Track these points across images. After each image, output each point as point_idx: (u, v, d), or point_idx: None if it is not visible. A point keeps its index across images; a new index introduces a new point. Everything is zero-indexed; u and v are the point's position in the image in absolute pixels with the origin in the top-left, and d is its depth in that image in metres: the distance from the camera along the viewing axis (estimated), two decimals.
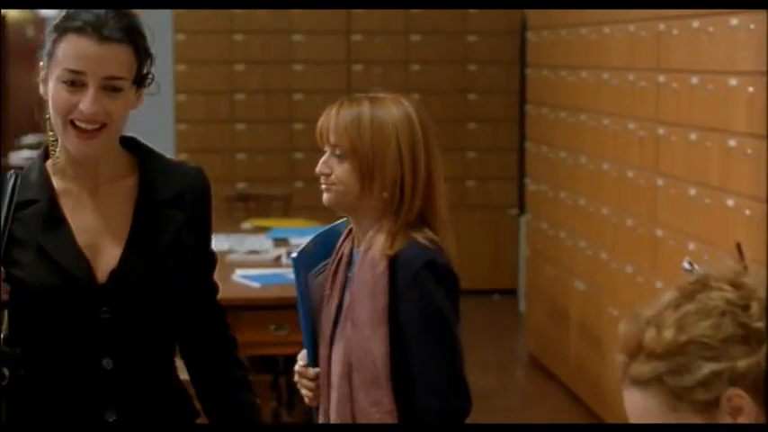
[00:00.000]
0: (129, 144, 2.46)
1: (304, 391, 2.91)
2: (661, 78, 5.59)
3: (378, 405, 2.70)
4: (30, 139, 14.46)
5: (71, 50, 2.31)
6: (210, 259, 2.64)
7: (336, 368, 2.77)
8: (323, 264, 2.94)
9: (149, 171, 2.44)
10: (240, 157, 9.75)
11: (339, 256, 2.90)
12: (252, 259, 6.01)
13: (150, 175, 2.43)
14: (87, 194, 2.40)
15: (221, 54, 9.71)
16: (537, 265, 7.83)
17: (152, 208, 2.41)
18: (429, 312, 2.74)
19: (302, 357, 2.93)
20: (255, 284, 5.34)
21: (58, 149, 2.40)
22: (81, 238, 2.38)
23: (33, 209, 2.37)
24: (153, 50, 2.46)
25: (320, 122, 2.88)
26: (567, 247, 7.06)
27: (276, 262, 5.96)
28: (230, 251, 6.22)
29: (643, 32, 5.87)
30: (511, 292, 9.70)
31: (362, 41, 9.83)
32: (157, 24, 9.59)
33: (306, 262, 2.90)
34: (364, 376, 2.72)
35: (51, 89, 2.33)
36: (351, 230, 2.93)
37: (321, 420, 2.87)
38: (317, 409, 2.90)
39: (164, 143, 9.72)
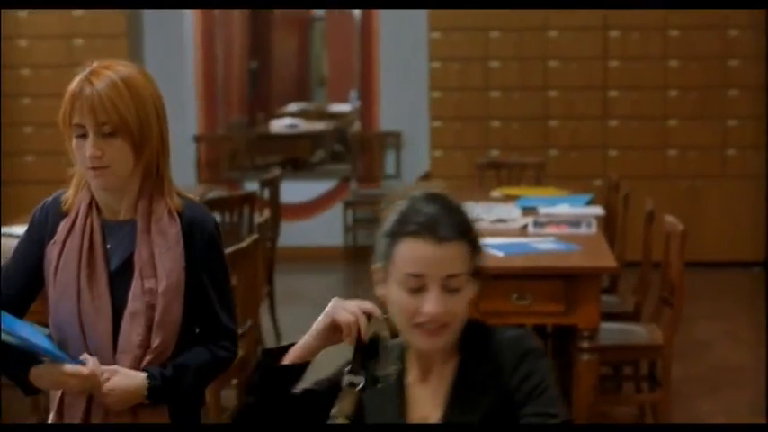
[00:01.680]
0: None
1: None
2: None
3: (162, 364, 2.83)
4: (293, 107, 14.81)
5: (408, 254, 2.30)
6: None
7: (131, 338, 2.80)
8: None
9: (470, 351, 2.38)
10: (494, 124, 9.72)
11: (88, 229, 2.84)
12: (498, 228, 5.98)
13: (470, 356, 2.38)
14: (420, 381, 2.40)
15: (476, 20, 9.68)
16: None
17: (467, 388, 2.36)
18: (225, 267, 2.93)
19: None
20: (499, 253, 5.31)
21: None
22: (413, 415, 2.38)
23: (384, 385, 2.39)
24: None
25: (69, 106, 2.74)
26: None
27: (522, 231, 5.91)
28: (477, 219, 6.20)
29: None
30: None
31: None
32: None
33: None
34: (164, 339, 2.80)
35: (394, 293, 2.33)
36: (90, 203, 2.86)
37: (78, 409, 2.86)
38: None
39: (418, 111, 9.80)
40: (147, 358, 2.80)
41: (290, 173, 12.32)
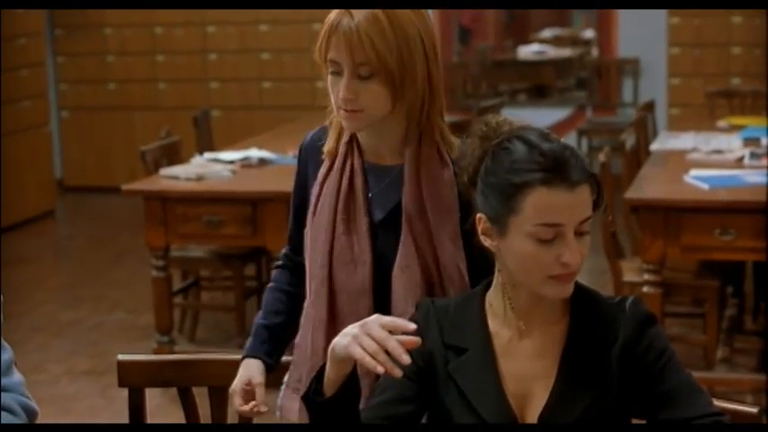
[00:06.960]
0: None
1: None
2: None
3: None
4: (546, 33, 14.60)
5: (542, 205, 2.12)
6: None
7: (406, 294, 2.48)
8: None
9: (580, 316, 2.23)
10: (735, 51, 9.36)
11: (348, 170, 2.55)
12: (712, 159, 5.78)
13: (581, 320, 2.23)
14: (519, 339, 2.23)
15: None
16: None
17: (580, 354, 2.20)
18: None
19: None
20: (704, 186, 5.12)
21: (501, 294, 2.25)
22: (510, 385, 2.21)
23: (466, 356, 2.22)
24: None
25: (326, 39, 2.42)
26: None
27: (738, 163, 5.69)
28: (693, 150, 6.01)
29: None
30: None
31: None
32: None
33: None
34: (456, 293, 2.46)
35: (519, 246, 2.15)
36: (350, 141, 2.56)
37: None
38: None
39: (657, 37, 9.53)
40: None
41: (530, 100, 12.21)
